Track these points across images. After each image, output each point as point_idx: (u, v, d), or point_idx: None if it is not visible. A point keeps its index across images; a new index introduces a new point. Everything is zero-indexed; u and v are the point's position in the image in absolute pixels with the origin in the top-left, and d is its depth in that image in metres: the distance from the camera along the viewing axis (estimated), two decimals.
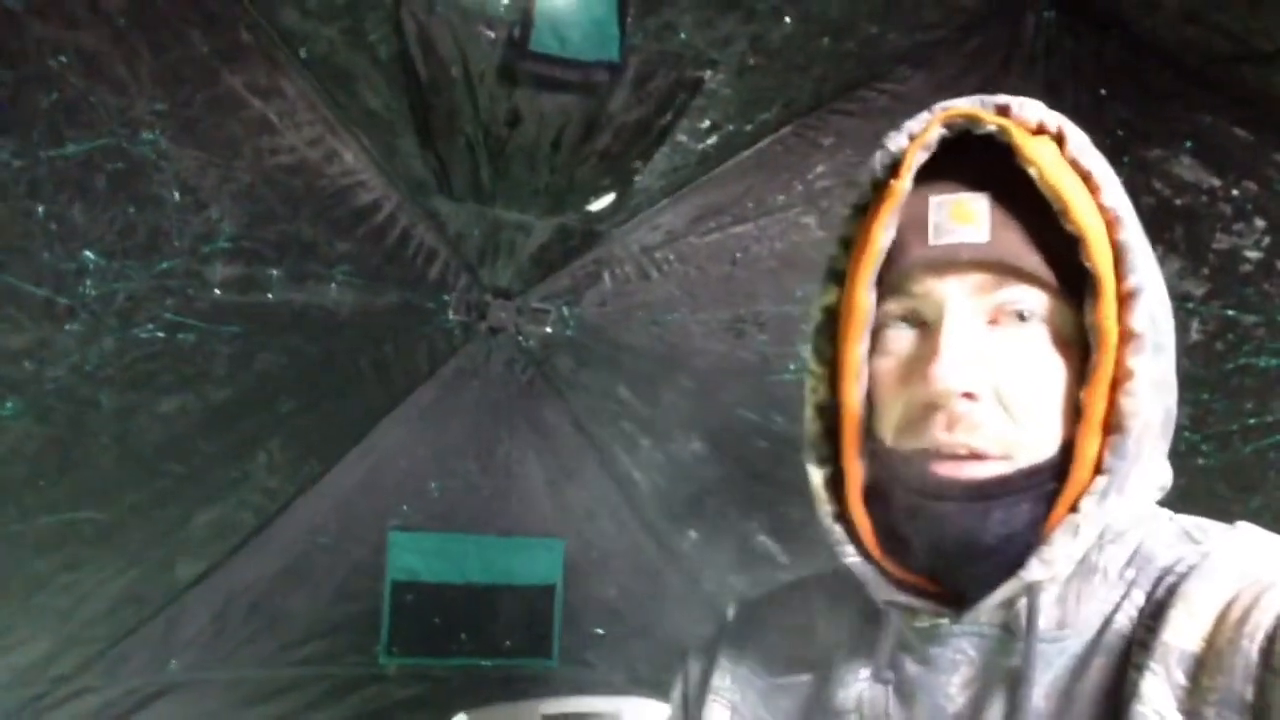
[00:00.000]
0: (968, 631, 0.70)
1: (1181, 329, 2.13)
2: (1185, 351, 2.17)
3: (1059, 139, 0.69)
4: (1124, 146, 2.31)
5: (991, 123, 0.68)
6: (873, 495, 0.72)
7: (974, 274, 0.66)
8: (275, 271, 2.24)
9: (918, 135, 0.71)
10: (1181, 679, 0.60)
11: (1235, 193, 2.15)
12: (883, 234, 0.69)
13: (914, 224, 0.68)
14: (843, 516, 0.74)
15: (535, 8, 2.10)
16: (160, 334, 2.09)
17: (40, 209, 1.94)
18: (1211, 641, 0.61)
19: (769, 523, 2.56)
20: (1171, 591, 0.65)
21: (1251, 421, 2.09)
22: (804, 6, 2.22)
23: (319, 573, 2.43)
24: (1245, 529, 0.70)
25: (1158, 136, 2.25)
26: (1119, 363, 0.65)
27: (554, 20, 2.11)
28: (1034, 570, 0.64)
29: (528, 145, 2.30)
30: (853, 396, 0.72)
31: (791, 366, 2.47)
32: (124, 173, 2.00)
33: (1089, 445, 0.65)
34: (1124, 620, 0.67)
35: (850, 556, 0.73)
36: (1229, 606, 0.62)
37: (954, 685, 0.70)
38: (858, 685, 0.75)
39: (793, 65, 2.33)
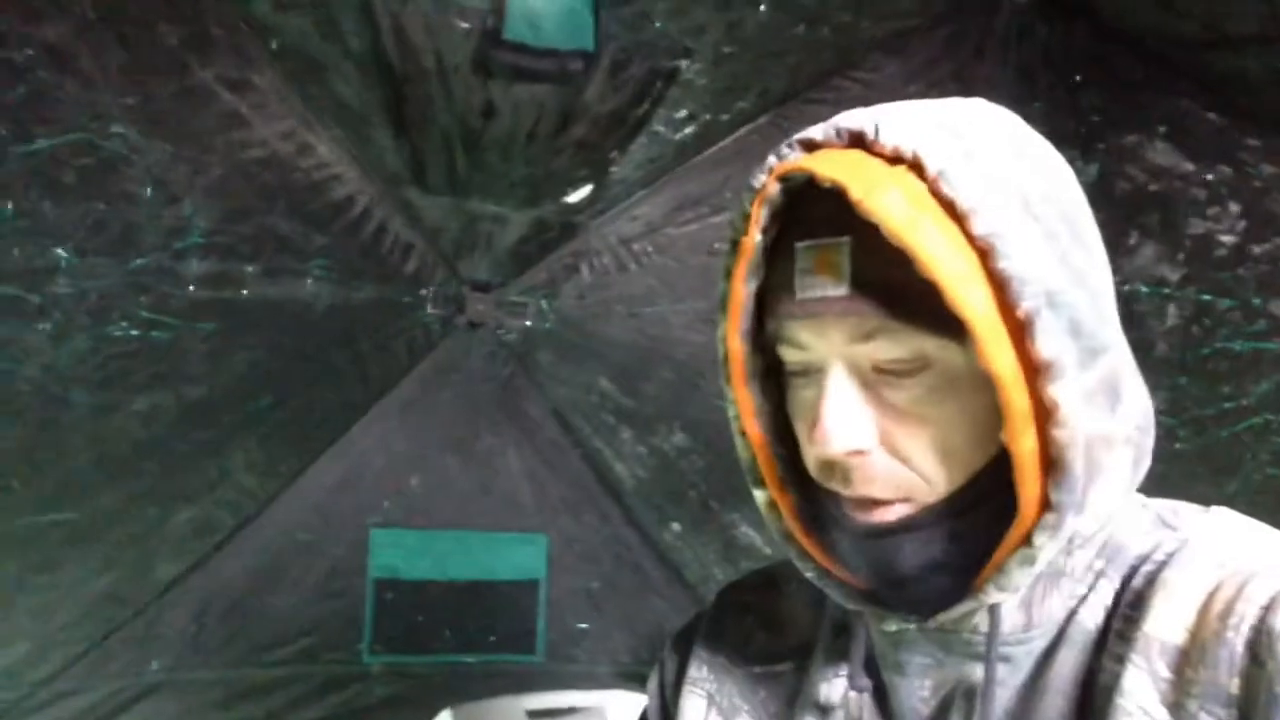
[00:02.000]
0: (932, 638, 0.69)
1: (1158, 314, 2.18)
2: (1161, 336, 2.18)
3: (918, 167, 0.61)
4: (1098, 133, 2.32)
5: (827, 180, 0.62)
6: (814, 517, 0.72)
7: (849, 321, 0.63)
8: (250, 267, 2.22)
9: (758, 190, 0.67)
10: (1165, 671, 0.60)
11: (1209, 178, 2.16)
12: (742, 287, 0.68)
13: (785, 274, 0.65)
14: (792, 536, 0.74)
15: None
16: (134, 332, 2.07)
17: (9, 205, 1.91)
18: (1195, 633, 0.60)
19: (752, 514, 2.55)
20: (1151, 580, 0.64)
21: (1227, 406, 2.10)
22: None
23: (299, 571, 2.41)
24: (1221, 513, 0.70)
25: (1131, 123, 2.26)
26: (1036, 396, 0.60)
27: (527, 10, 2.10)
28: (991, 594, 0.63)
29: (503, 136, 2.28)
30: (754, 435, 0.71)
31: None
32: (94, 168, 1.98)
33: (1027, 485, 0.61)
34: (1090, 612, 0.66)
35: (809, 572, 0.73)
36: (1211, 596, 0.61)
37: (926, 689, 0.70)
38: (839, 681, 0.75)
39: (768, 53, 2.33)
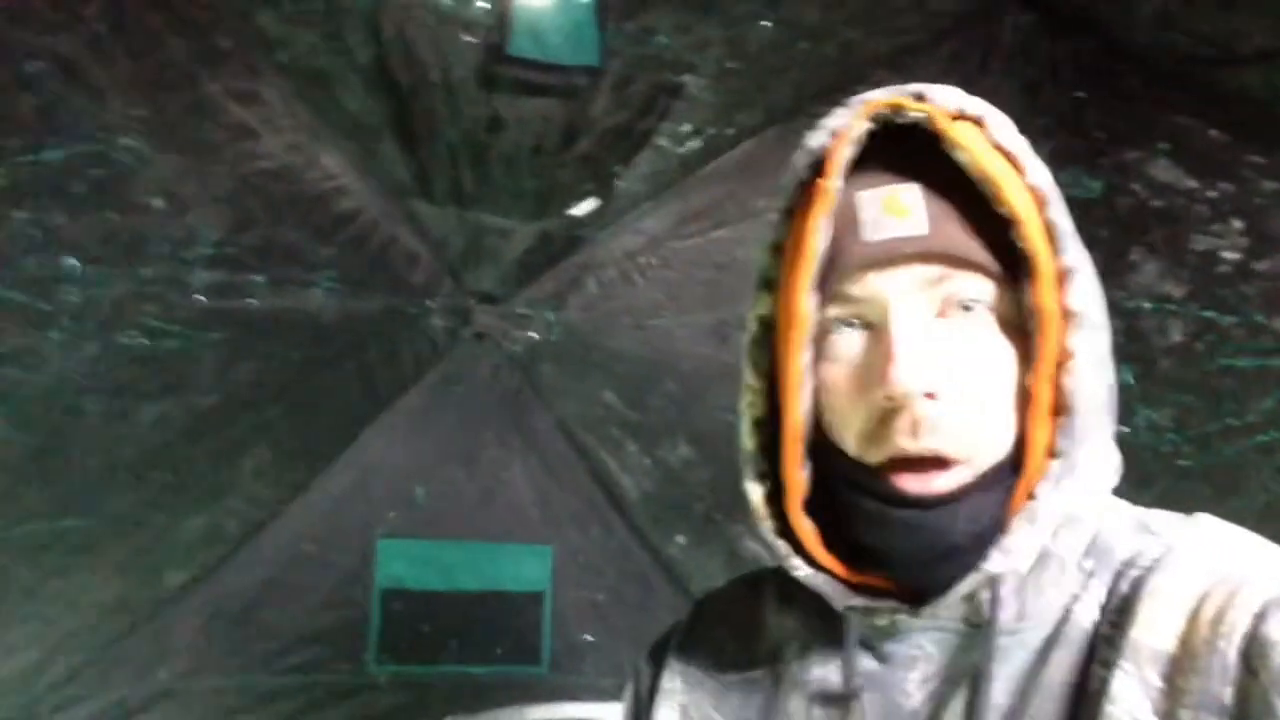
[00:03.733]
0: (926, 627, 0.68)
1: (1161, 331, 2.18)
2: (1165, 352, 2.18)
3: (979, 123, 0.67)
4: (1101, 149, 2.32)
5: (915, 110, 0.66)
6: (814, 503, 0.71)
7: (917, 267, 0.64)
8: (258, 277, 2.24)
9: (842, 131, 0.68)
10: (1155, 679, 0.59)
11: (1212, 194, 2.16)
12: (817, 235, 0.66)
13: (846, 223, 0.66)
14: (784, 531, 0.72)
15: (513, 12, 2.11)
16: (144, 340, 2.09)
17: (22, 214, 1.93)
18: (1186, 641, 0.60)
19: None
20: (1136, 586, 0.64)
21: (1232, 422, 2.10)
22: (782, 11, 2.24)
23: (307, 580, 2.42)
24: (1205, 520, 0.70)
25: (1135, 139, 2.27)
26: (1059, 344, 0.64)
27: (533, 24, 2.12)
28: (995, 562, 0.63)
29: (508, 149, 2.30)
30: (797, 409, 0.69)
31: None
32: (105, 178, 2.00)
33: (1040, 431, 0.64)
34: (1085, 612, 0.66)
35: (800, 570, 0.71)
36: (1201, 604, 0.61)
37: (912, 682, 0.69)
38: (811, 686, 0.74)
39: (771, 69, 2.34)
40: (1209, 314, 2.13)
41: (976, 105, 0.68)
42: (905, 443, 0.63)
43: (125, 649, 2.28)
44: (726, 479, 2.64)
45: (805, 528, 0.70)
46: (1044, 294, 0.63)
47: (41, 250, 1.97)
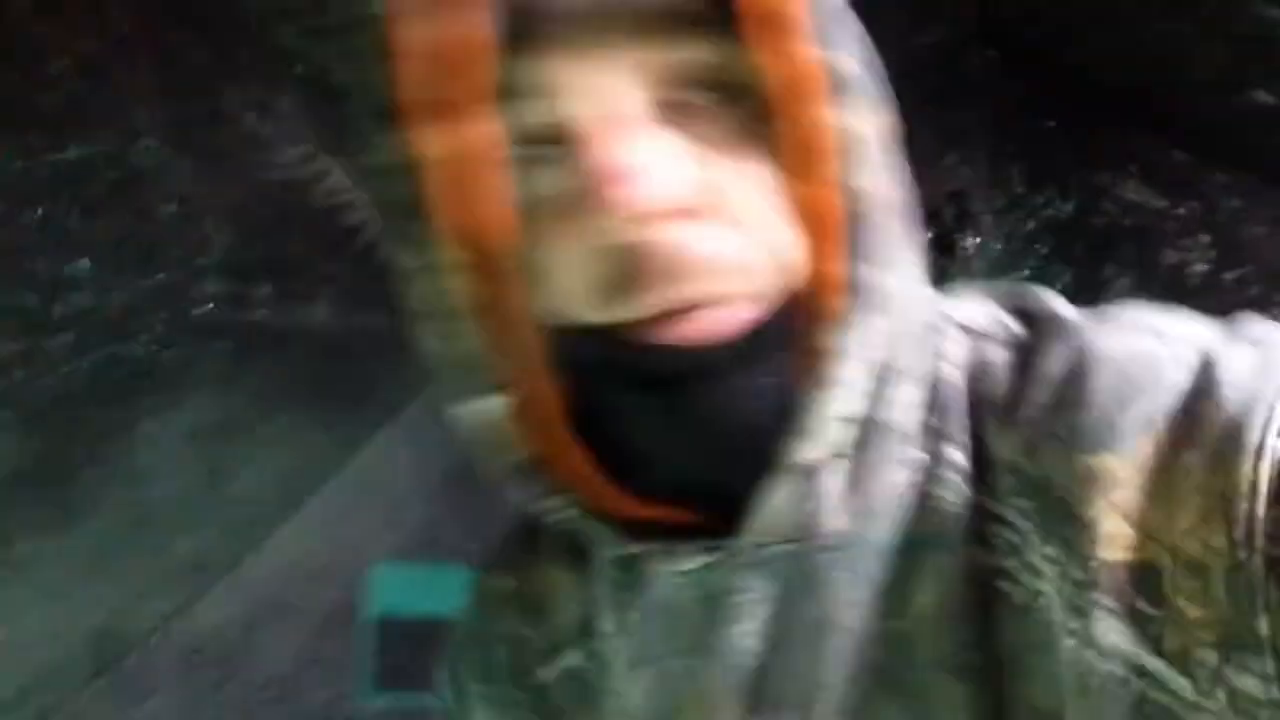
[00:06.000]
0: (742, 563, 0.48)
1: None
2: None
3: None
4: (1073, 174, 2.49)
5: None
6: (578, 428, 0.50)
7: (625, 24, 0.43)
8: (264, 289, 2.21)
9: None
10: (1145, 607, 0.42)
11: (1180, 212, 2.34)
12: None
13: None
14: (530, 463, 0.50)
15: None
16: (152, 348, 2.04)
17: (36, 214, 1.88)
18: (1168, 541, 0.42)
19: None
20: (1041, 460, 0.46)
21: None
22: None
23: (299, 604, 2.34)
24: (1063, 308, 0.53)
25: (1104, 163, 2.44)
26: (827, 124, 0.45)
27: None
28: (799, 450, 0.45)
29: None
30: (520, 271, 0.46)
31: None
32: (121, 181, 1.97)
33: (827, 260, 0.45)
34: (952, 496, 0.48)
35: (561, 512, 0.51)
36: (1174, 474, 0.43)
37: (746, 635, 0.49)
38: (634, 661, 0.54)
39: None
40: None
41: None
42: (664, 290, 0.43)
43: (111, 678, 2.17)
44: None
45: (571, 448, 0.49)
46: (797, 48, 0.44)
47: (55, 252, 1.92)
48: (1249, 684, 0.38)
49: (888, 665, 0.47)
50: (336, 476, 2.40)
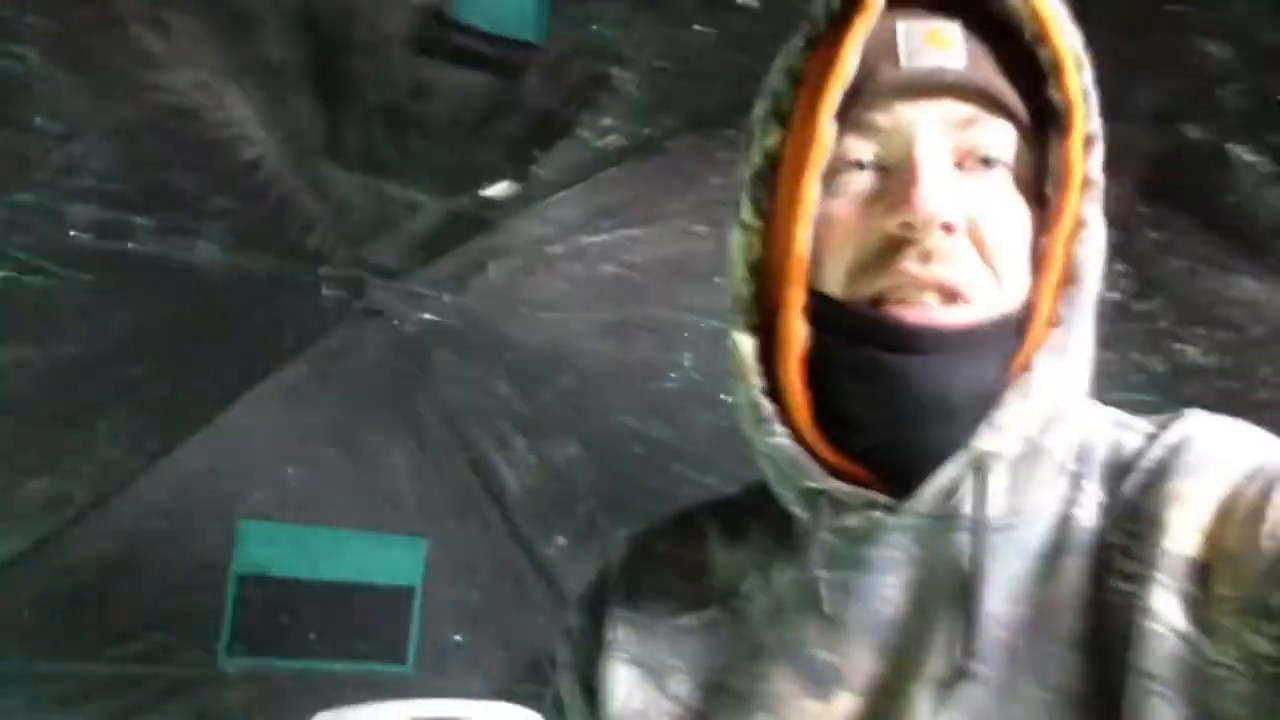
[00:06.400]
0: (906, 525, 0.60)
1: None
2: None
3: None
4: None
5: None
6: (809, 376, 0.63)
7: (950, 102, 0.60)
8: (140, 219, 2.04)
9: None
10: (1191, 589, 0.55)
11: None
12: (852, 55, 0.60)
13: (881, 50, 0.61)
14: (772, 393, 0.64)
15: None
16: (9, 273, 1.86)
17: None
18: (1219, 545, 0.56)
19: None
20: (1148, 491, 0.59)
21: None
22: (722, 19, 2.26)
23: (157, 559, 2.20)
24: (1201, 415, 0.65)
25: None
26: (1076, 211, 0.61)
27: None
28: (985, 439, 0.57)
29: (429, 120, 2.21)
30: (802, 243, 0.62)
31: (673, 375, 2.46)
32: None
33: (1045, 297, 0.60)
34: (1085, 518, 0.60)
35: (777, 435, 0.63)
36: (1232, 504, 0.56)
37: (891, 587, 0.61)
38: (771, 610, 0.66)
39: (701, 75, 2.36)
40: None
41: None
42: (912, 267, 0.57)
43: None
44: (613, 480, 2.61)
45: (796, 391, 0.62)
46: (1074, 152, 0.60)
47: None
48: (1260, 644, 0.52)
49: (1026, 647, 0.58)
50: (204, 429, 2.25)
